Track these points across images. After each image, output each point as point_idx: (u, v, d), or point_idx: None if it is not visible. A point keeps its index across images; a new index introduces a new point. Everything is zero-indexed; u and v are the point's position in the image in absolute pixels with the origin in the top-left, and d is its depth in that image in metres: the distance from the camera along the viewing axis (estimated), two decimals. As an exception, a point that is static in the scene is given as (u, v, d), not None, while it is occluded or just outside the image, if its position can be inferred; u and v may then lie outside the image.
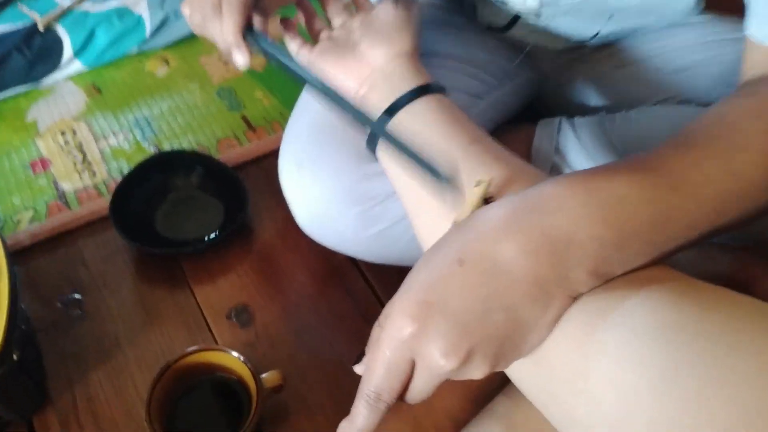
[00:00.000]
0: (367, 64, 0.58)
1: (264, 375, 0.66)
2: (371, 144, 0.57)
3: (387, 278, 0.81)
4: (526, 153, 0.77)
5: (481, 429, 0.50)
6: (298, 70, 0.52)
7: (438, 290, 0.37)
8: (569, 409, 0.38)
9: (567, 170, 0.74)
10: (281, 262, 0.84)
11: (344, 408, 0.72)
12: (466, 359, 0.37)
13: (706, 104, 0.71)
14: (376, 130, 0.50)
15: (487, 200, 0.46)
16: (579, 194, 0.38)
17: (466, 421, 0.60)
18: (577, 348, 0.37)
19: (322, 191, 0.63)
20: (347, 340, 0.77)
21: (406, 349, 0.38)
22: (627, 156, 0.43)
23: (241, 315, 0.78)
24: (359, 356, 0.44)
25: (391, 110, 0.54)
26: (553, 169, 0.75)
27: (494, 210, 0.40)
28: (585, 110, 0.80)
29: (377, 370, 0.39)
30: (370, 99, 0.56)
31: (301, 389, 0.73)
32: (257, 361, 0.74)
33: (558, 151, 0.74)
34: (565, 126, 0.76)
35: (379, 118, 0.54)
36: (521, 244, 0.37)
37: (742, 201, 0.41)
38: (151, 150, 0.94)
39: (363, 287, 0.82)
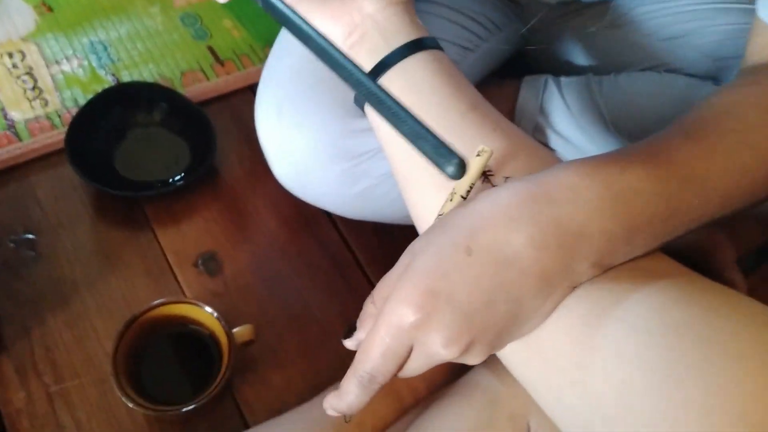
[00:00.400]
0: (358, 9, 0.53)
1: (236, 329, 0.64)
2: (360, 100, 0.54)
3: (360, 228, 0.80)
4: (510, 110, 0.75)
5: (460, 399, 0.50)
6: (281, 7, 0.47)
7: (444, 280, 0.36)
8: (562, 397, 0.38)
9: (550, 131, 0.73)
10: (250, 208, 0.81)
11: (316, 360, 0.72)
12: (466, 349, 0.37)
13: (692, 75, 0.71)
14: (365, 93, 0.47)
15: (485, 173, 0.44)
16: (594, 186, 0.37)
17: (440, 383, 0.60)
18: (575, 339, 0.37)
19: (305, 145, 0.59)
20: (319, 291, 0.76)
21: (406, 337, 0.36)
22: (636, 144, 0.42)
23: (209, 263, 0.76)
24: (349, 329, 0.42)
25: (382, 66, 0.50)
26: (537, 129, 0.73)
27: (504, 194, 0.38)
28: (570, 68, 0.79)
29: (373, 353, 0.37)
30: (360, 51, 0.52)
31: (271, 341, 0.72)
32: (226, 311, 0.72)
33: (543, 110, 0.73)
34: (551, 85, 0.74)
35: (369, 74, 0.50)
36: (532, 236, 0.36)
37: (746, 195, 0.41)
38: (108, 79, 0.87)
39: (335, 237, 0.80)
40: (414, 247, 0.39)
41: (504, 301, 0.36)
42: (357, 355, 0.39)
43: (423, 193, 0.47)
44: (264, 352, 0.71)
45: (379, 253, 0.79)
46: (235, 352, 0.63)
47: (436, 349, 0.36)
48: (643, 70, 0.72)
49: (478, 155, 0.42)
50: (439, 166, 0.40)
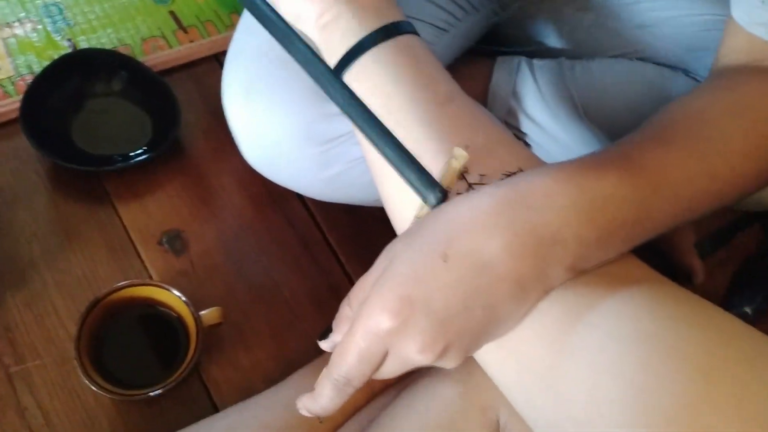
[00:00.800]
0: None
1: (203, 312, 0.64)
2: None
3: (329, 206, 0.79)
4: (482, 92, 0.75)
5: (431, 391, 0.51)
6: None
7: (420, 286, 0.36)
8: (533, 399, 0.39)
9: (522, 116, 0.73)
10: (216, 184, 0.79)
11: (284, 341, 0.72)
12: (442, 354, 0.37)
13: (663, 65, 0.72)
14: (333, 91, 0.45)
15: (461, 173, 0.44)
16: (570, 192, 0.37)
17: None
18: (549, 343, 0.38)
19: (276, 129, 0.58)
20: (288, 270, 0.75)
21: (381, 342, 0.37)
22: (611, 147, 0.42)
23: (174, 241, 0.74)
24: (325, 331, 0.42)
25: (355, 51, 0.48)
26: (510, 113, 0.73)
27: (481, 200, 0.38)
28: (543, 50, 0.78)
29: (349, 358, 0.37)
30: (333, 33, 0.50)
31: (239, 321, 0.71)
32: (193, 291, 0.71)
33: (515, 94, 0.73)
34: (524, 68, 0.73)
35: (342, 60, 0.48)
36: (508, 242, 0.36)
37: (715, 200, 0.42)
38: (64, 45, 0.83)
39: (304, 216, 0.79)
40: (391, 251, 0.39)
41: (480, 307, 0.37)
42: (332, 358, 0.39)
43: (398, 187, 0.47)
44: (232, 333, 0.71)
45: (349, 231, 0.79)
46: (202, 336, 0.62)
47: (412, 355, 0.37)
48: (615, 56, 0.72)
49: (454, 158, 0.41)
50: (421, 195, 0.40)
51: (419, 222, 0.39)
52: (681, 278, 0.80)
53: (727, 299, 0.85)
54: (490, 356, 0.41)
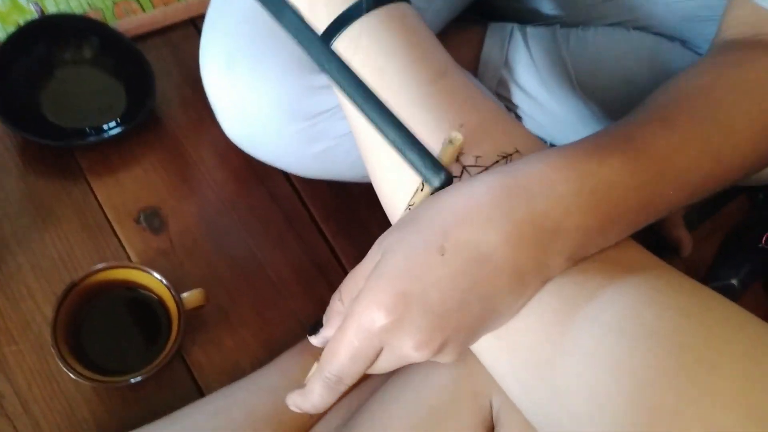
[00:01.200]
0: None
1: (185, 295, 0.61)
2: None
3: (314, 181, 0.76)
4: (473, 61, 0.72)
5: (422, 376, 0.49)
6: None
7: (416, 281, 0.34)
8: (530, 391, 0.38)
9: (514, 86, 0.70)
10: (195, 158, 0.76)
11: (268, 321, 0.70)
12: (439, 350, 0.36)
13: (660, 35, 0.69)
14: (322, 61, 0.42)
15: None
16: (571, 180, 0.36)
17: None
18: (547, 336, 0.36)
19: (260, 103, 0.55)
20: (271, 248, 0.73)
21: (376, 340, 0.35)
22: (612, 128, 0.40)
23: (152, 219, 0.71)
24: (315, 325, 0.40)
25: (343, 20, 0.45)
26: (501, 84, 0.70)
27: (478, 189, 0.36)
28: (537, 17, 0.75)
29: (341, 356, 0.36)
30: (317, 1, 0.47)
31: (222, 301, 0.69)
32: (173, 270, 0.69)
33: (507, 63, 0.70)
34: (517, 36, 0.71)
35: (329, 27, 0.45)
36: (507, 233, 0.35)
37: (719, 182, 0.41)
38: (31, 9, 0.78)
39: (288, 191, 0.76)
40: (384, 243, 0.37)
41: (478, 301, 0.35)
42: (323, 355, 0.37)
43: (389, 167, 0.44)
44: (215, 313, 0.69)
45: (334, 207, 0.77)
46: (185, 319, 0.60)
47: (408, 351, 0.35)
48: (611, 24, 0.69)
49: (450, 142, 0.39)
50: (424, 177, 0.37)
51: (414, 212, 0.37)
52: (667, 251, 0.80)
53: (713, 271, 0.85)
54: (485, 347, 0.40)
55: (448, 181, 0.37)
